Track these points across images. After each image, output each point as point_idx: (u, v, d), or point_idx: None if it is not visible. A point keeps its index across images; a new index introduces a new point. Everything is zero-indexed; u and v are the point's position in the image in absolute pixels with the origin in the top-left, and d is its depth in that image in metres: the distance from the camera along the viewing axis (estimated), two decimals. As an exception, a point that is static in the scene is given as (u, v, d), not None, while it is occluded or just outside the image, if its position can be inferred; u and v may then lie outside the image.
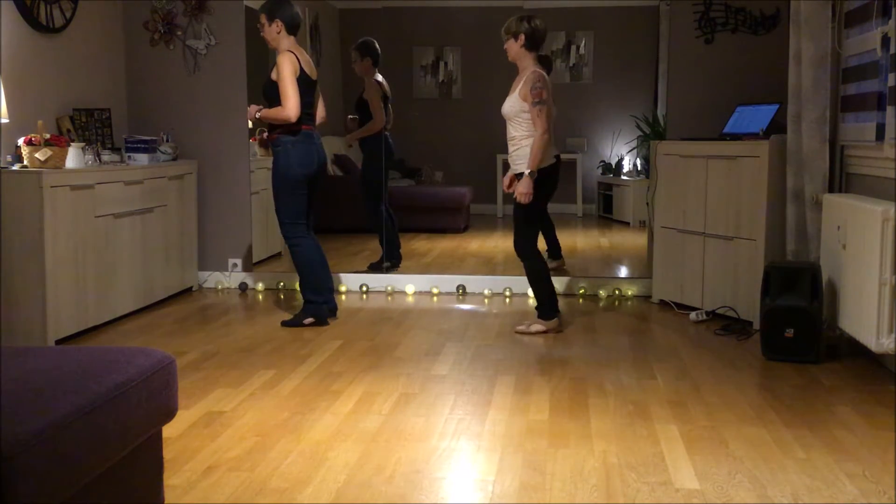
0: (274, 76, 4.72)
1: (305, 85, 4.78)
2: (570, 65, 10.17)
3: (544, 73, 4.71)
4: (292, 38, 4.81)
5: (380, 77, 6.29)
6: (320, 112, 5.08)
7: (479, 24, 9.77)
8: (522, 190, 4.59)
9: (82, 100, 5.35)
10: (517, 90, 4.67)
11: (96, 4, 5.48)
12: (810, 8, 4.45)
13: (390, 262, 6.31)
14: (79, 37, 5.29)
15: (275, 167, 4.82)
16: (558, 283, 5.73)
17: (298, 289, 5.02)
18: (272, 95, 4.74)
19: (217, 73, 5.84)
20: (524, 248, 4.77)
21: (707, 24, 5.53)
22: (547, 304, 4.80)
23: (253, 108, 4.89)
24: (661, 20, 9.11)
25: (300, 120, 4.73)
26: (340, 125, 7.11)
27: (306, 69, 4.80)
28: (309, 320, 4.83)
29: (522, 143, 4.68)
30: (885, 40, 3.95)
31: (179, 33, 5.81)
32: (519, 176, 4.68)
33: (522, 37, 4.66)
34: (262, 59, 6.64)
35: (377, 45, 6.30)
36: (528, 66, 4.69)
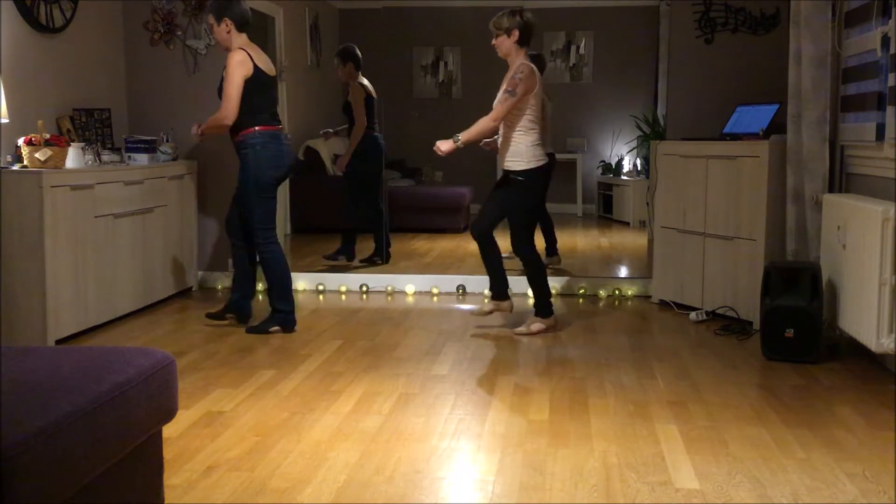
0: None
1: (262, 84, 4.53)
2: (570, 65, 10.16)
3: (533, 67, 4.60)
4: (244, 35, 4.55)
5: (364, 80, 6.49)
6: None
7: (479, 24, 9.69)
8: (443, 147, 4.57)
9: (82, 100, 5.35)
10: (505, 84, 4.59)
11: (96, 4, 5.48)
12: (810, 8, 4.45)
13: (379, 257, 6.59)
14: (79, 37, 5.29)
15: (243, 171, 4.55)
16: (557, 282, 5.75)
17: (267, 296, 4.74)
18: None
19: (217, 73, 5.75)
20: (523, 250, 4.75)
21: (707, 24, 5.54)
22: (548, 303, 4.79)
23: (194, 127, 4.69)
24: (661, 20, 9.10)
25: (264, 120, 4.52)
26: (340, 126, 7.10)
27: (262, 66, 4.53)
28: (275, 328, 4.66)
29: (509, 139, 4.62)
30: (885, 40, 3.95)
31: (179, 33, 5.81)
32: (506, 174, 4.64)
33: (516, 32, 4.56)
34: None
35: (357, 50, 6.51)
36: (516, 61, 4.60)
